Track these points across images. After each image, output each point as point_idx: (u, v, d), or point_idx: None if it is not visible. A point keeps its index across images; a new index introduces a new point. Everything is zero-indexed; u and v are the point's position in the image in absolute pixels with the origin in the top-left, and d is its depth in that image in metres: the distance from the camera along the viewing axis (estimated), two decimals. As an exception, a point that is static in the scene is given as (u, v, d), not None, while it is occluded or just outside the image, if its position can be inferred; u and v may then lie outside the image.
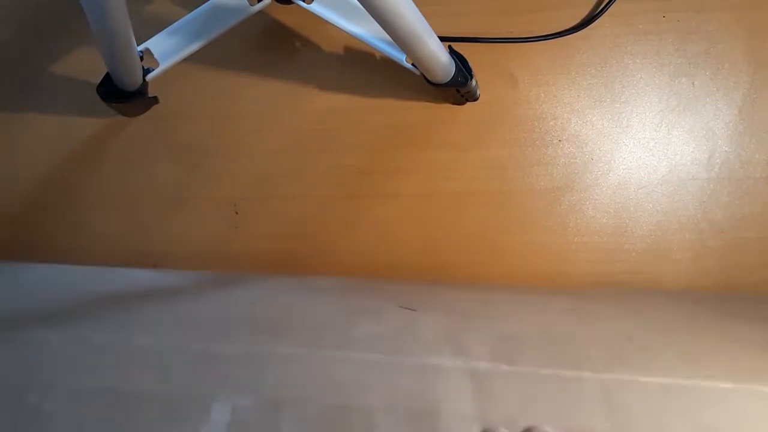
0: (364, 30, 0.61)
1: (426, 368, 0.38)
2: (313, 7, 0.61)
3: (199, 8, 0.61)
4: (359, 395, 0.37)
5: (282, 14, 0.68)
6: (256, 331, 0.44)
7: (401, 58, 0.61)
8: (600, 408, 0.36)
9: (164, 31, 0.60)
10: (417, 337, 0.40)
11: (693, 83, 0.67)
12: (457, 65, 0.60)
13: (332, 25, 0.61)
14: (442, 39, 0.56)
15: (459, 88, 0.62)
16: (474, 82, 0.63)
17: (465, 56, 0.61)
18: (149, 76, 0.60)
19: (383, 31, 0.49)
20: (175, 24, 0.60)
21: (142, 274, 0.60)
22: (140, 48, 0.59)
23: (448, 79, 0.60)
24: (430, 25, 0.52)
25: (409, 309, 0.48)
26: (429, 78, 0.60)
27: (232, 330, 0.45)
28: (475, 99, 0.67)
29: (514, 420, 0.36)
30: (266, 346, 0.41)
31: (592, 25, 0.67)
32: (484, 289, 0.60)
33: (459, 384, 0.37)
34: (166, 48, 0.60)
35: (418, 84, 0.63)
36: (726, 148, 0.66)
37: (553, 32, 0.67)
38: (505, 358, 0.39)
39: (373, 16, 0.47)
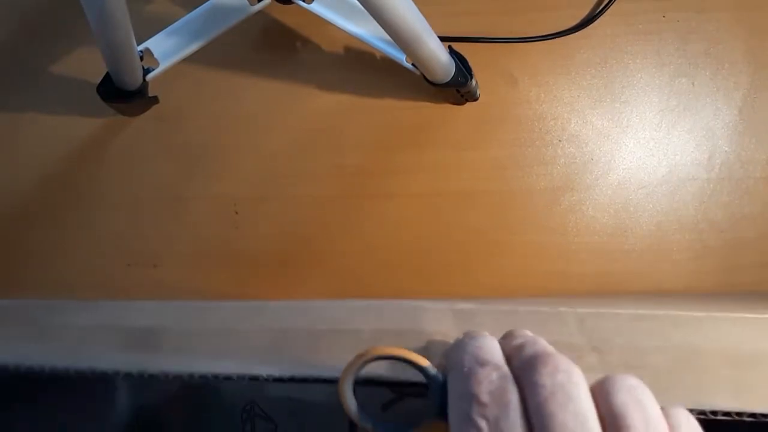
0: (364, 30, 0.61)
1: (411, 307, 0.42)
2: (313, 7, 0.61)
3: (199, 8, 0.61)
4: (349, 324, 0.42)
5: (282, 14, 0.68)
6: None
7: (401, 58, 0.61)
8: (575, 329, 0.40)
9: (164, 31, 0.60)
10: (404, 302, 0.43)
11: (693, 83, 0.67)
12: (457, 65, 0.60)
13: (332, 25, 0.61)
14: (442, 39, 0.57)
15: (459, 88, 0.62)
16: (474, 82, 0.63)
17: (465, 56, 0.61)
18: (149, 76, 0.60)
19: (383, 31, 0.49)
20: (175, 24, 0.60)
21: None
22: (140, 48, 0.59)
23: (448, 79, 0.60)
24: (430, 25, 0.52)
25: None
26: (429, 78, 0.60)
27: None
28: (475, 99, 0.67)
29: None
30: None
31: (592, 25, 0.67)
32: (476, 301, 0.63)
33: (441, 317, 0.41)
34: (166, 48, 0.60)
35: (418, 84, 0.63)
36: (726, 148, 0.66)
37: (553, 32, 0.67)
38: (487, 303, 0.43)
39: (373, 16, 0.47)
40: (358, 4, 0.46)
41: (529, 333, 0.36)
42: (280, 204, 0.67)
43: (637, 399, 0.29)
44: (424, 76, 0.61)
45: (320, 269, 0.67)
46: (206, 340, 0.42)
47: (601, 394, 0.29)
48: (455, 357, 0.33)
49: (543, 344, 0.33)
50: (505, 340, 0.35)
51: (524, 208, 0.66)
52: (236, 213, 0.67)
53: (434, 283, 0.66)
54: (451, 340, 0.37)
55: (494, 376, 0.30)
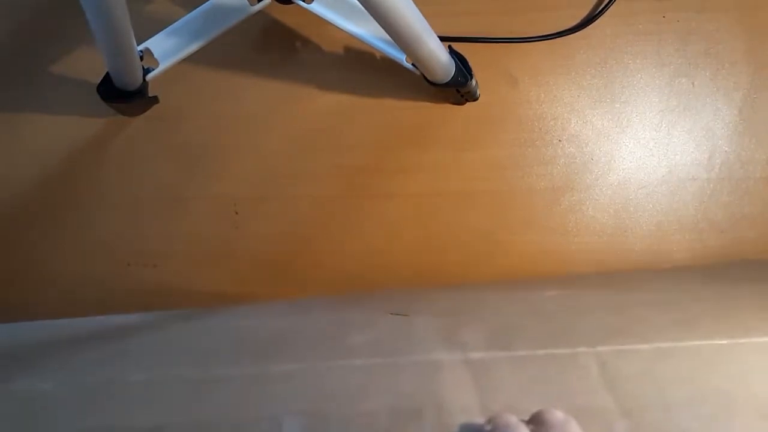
0: (364, 30, 0.61)
1: (423, 365, 0.38)
2: (313, 7, 0.61)
3: (199, 8, 0.61)
4: (362, 401, 0.37)
5: (282, 14, 0.68)
6: (252, 355, 0.44)
7: (401, 58, 0.61)
8: (599, 382, 0.36)
9: (164, 31, 0.60)
10: (411, 337, 0.40)
11: (693, 83, 0.67)
12: (457, 65, 0.60)
13: (332, 25, 0.61)
14: (442, 39, 0.57)
15: (459, 88, 0.62)
16: (474, 82, 0.63)
17: (465, 56, 0.61)
18: (149, 76, 0.60)
19: (383, 31, 0.49)
20: (175, 24, 0.60)
21: (123, 318, 0.60)
22: (140, 48, 0.59)
23: (448, 79, 0.60)
24: (430, 25, 0.52)
25: (401, 315, 0.48)
26: (429, 78, 0.60)
27: (227, 356, 0.44)
28: (475, 99, 0.67)
29: (516, 406, 0.36)
30: (266, 366, 0.41)
31: (592, 25, 0.67)
32: (476, 288, 0.60)
33: (458, 376, 0.37)
34: (166, 48, 0.60)
35: (418, 84, 0.63)
36: (726, 148, 0.66)
37: (553, 32, 0.67)
38: (500, 346, 0.39)
39: (373, 16, 0.47)
40: (358, 4, 0.46)
41: (559, 416, 0.32)
42: (280, 204, 0.67)
43: None
44: (424, 76, 0.61)
45: (320, 269, 0.67)
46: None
47: None
48: None
49: (561, 416, 0.31)
50: (534, 426, 0.33)
51: (524, 208, 0.66)
52: (236, 213, 0.67)
53: (434, 282, 0.66)
54: (472, 415, 0.34)
55: None
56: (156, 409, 0.39)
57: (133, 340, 0.50)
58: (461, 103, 0.67)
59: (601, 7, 0.67)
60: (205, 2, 0.61)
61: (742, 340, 0.37)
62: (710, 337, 0.37)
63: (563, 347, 0.37)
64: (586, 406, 0.35)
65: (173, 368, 0.42)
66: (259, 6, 0.61)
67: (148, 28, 0.60)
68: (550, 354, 0.37)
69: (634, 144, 0.66)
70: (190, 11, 0.61)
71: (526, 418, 0.32)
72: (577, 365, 0.36)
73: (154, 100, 0.67)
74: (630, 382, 0.35)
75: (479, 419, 0.33)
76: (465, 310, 0.50)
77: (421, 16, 0.50)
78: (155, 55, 0.60)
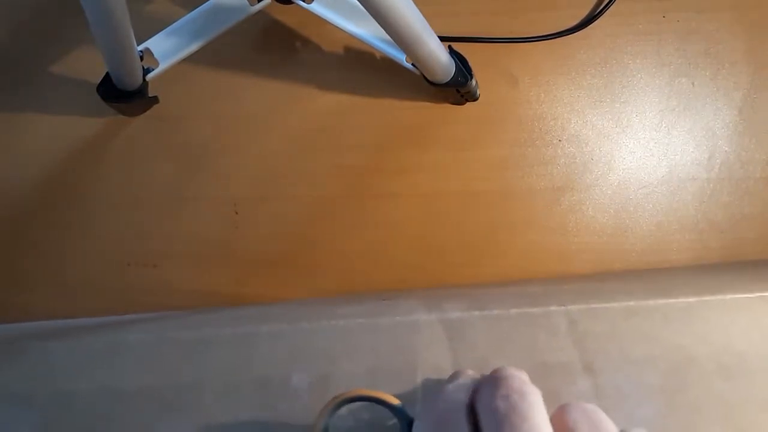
0: (364, 30, 0.61)
1: (403, 326, 0.40)
2: (313, 7, 0.61)
3: (199, 8, 0.61)
4: (343, 361, 0.39)
5: (282, 14, 0.68)
6: (239, 320, 0.45)
7: (401, 58, 0.61)
8: (566, 339, 0.38)
9: (164, 31, 0.60)
10: (396, 306, 0.42)
11: (693, 83, 0.67)
12: (457, 65, 0.60)
13: (332, 25, 0.61)
14: (442, 39, 0.57)
15: (459, 88, 0.62)
16: (474, 82, 0.63)
17: (465, 56, 0.61)
18: (149, 76, 0.60)
19: (383, 31, 0.49)
20: (175, 24, 0.60)
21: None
22: (140, 48, 0.59)
23: (448, 79, 0.60)
24: (430, 25, 0.52)
25: (391, 300, 0.49)
26: (429, 78, 0.60)
27: (217, 321, 0.46)
28: (475, 99, 0.67)
29: (486, 361, 0.38)
30: (252, 327, 0.43)
31: (592, 25, 0.67)
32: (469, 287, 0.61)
33: (434, 335, 0.39)
34: (166, 48, 0.60)
35: (418, 84, 0.63)
36: (726, 148, 0.66)
37: (553, 32, 0.67)
38: (476, 307, 0.41)
39: (373, 16, 0.47)
40: (358, 4, 0.46)
41: (511, 371, 0.33)
42: (280, 204, 0.67)
43: (591, 419, 0.29)
44: (424, 76, 0.61)
45: (320, 269, 0.67)
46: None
47: (558, 416, 0.30)
48: (424, 404, 0.34)
49: (510, 372, 0.32)
50: (486, 381, 0.34)
51: (524, 208, 0.66)
52: (236, 213, 0.67)
53: (434, 282, 0.66)
54: (445, 373, 0.36)
55: (442, 406, 0.31)
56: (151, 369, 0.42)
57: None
58: (461, 103, 0.67)
59: (601, 7, 0.67)
60: (205, 2, 0.61)
61: (708, 298, 0.39)
62: (678, 296, 0.39)
63: (535, 307, 0.39)
64: (552, 361, 0.37)
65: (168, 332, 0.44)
66: (259, 6, 0.61)
67: (148, 28, 0.60)
68: (523, 312, 0.39)
69: (634, 144, 0.66)
70: (190, 11, 0.61)
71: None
72: (548, 323, 0.38)
73: (154, 100, 0.67)
74: (596, 339, 0.37)
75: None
76: (451, 293, 0.51)
77: (421, 16, 0.50)
78: (155, 55, 0.60)
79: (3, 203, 0.68)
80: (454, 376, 0.36)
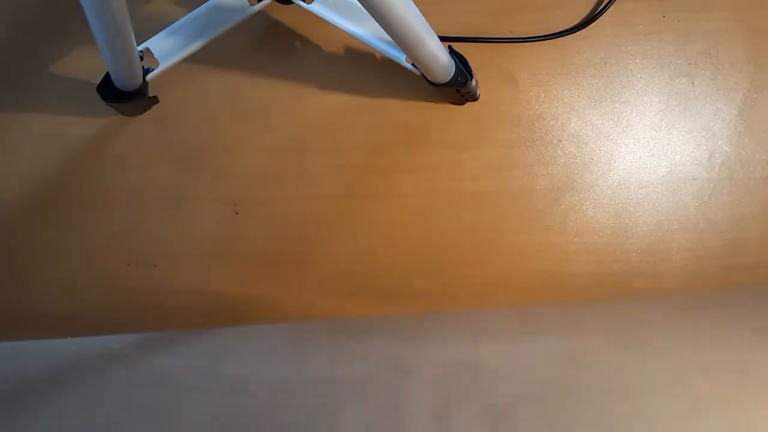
0: (364, 30, 0.61)
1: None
2: (313, 7, 0.61)
3: (199, 8, 0.61)
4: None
5: (282, 14, 0.68)
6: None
7: (401, 58, 0.61)
8: None
9: (164, 31, 0.60)
10: (406, 423, 0.40)
11: (693, 83, 0.67)
12: (457, 65, 0.60)
13: (332, 25, 0.61)
14: (442, 39, 0.56)
15: (459, 88, 0.62)
16: (474, 82, 0.63)
17: (465, 56, 0.61)
18: (149, 76, 0.60)
19: (383, 31, 0.49)
20: (175, 24, 0.60)
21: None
22: (140, 48, 0.59)
23: (448, 79, 0.60)
24: (430, 25, 0.52)
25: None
26: (429, 78, 0.60)
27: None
28: (475, 99, 0.67)
29: None
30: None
31: (592, 25, 0.67)
32: (475, 324, 0.60)
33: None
34: (166, 48, 0.60)
35: (418, 84, 0.63)
36: (726, 148, 0.66)
37: (553, 32, 0.67)
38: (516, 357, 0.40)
39: (373, 16, 0.47)
40: (358, 4, 0.46)
41: None
42: (280, 204, 0.67)
43: None
44: (424, 76, 0.61)
45: (320, 268, 0.67)
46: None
47: None
48: None
49: None
50: None
51: (524, 208, 0.66)
52: (236, 213, 0.67)
53: (434, 282, 0.66)
54: None
55: None
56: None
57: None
58: (461, 103, 0.67)
59: (601, 7, 0.67)
60: (205, 2, 0.61)
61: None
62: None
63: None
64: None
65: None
66: (259, 6, 0.61)
67: (148, 28, 0.60)
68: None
69: (634, 144, 0.66)
70: (190, 11, 0.61)
71: None
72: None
73: (154, 100, 0.67)
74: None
75: None
76: (463, 382, 0.49)
77: (421, 16, 0.50)
78: (155, 55, 0.60)
79: (3, 203, 0.68)
80: None
